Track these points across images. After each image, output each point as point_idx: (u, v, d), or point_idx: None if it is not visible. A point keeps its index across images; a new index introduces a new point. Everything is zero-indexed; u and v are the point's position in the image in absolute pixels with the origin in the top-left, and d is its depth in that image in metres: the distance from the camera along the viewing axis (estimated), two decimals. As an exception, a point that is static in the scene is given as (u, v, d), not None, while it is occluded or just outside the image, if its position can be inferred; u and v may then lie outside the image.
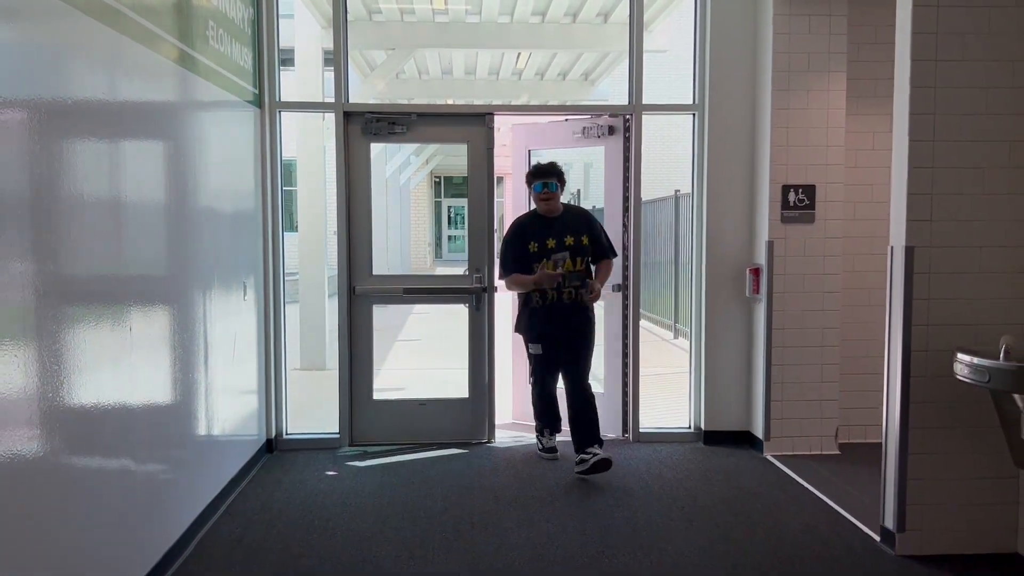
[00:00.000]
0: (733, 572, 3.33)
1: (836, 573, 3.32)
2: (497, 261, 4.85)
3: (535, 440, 5.02)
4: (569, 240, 4.55)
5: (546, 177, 4.57)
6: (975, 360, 3.03)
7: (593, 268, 4.70)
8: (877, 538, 3.64)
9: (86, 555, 2.61)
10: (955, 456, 3.46)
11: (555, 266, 4.50)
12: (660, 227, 11.30)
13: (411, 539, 3.64)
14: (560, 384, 4.77)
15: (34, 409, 2.29)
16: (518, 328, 4.85)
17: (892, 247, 3.50)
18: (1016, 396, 3.10)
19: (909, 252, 3.40)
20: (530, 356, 4.82)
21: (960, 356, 3.13)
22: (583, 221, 4.65)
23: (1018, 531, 3.48)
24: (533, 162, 5.30)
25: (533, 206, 4.84)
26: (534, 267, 4.53)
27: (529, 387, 5.39)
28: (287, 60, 9.02)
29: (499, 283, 5.20)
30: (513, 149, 5.70)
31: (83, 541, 2.59)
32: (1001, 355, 2.98)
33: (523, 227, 4.68)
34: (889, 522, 3.54)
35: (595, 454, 4.40)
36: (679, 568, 3.36)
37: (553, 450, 4.90)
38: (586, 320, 4.65)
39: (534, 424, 5.02)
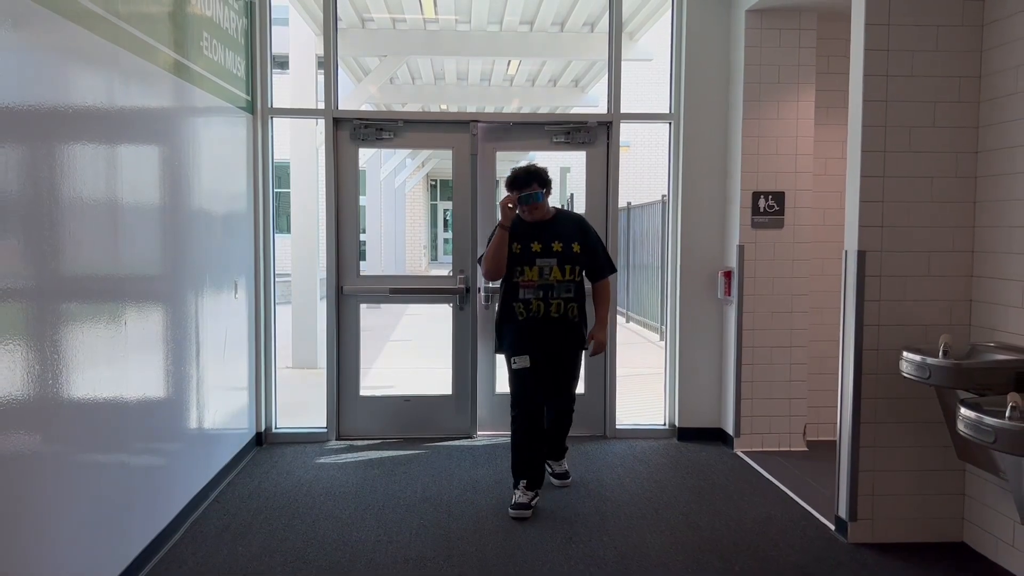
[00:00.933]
0: (695, 557, 3.53)
1: (791, 558, 3.52)
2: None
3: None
4: (557, 246, 4.09)
5: (524, 189, 4.05)
6: (918, 358, 3.23)
7: (588, 288, 4.27)
8: (832, 527, 3.84)
9: (80, 536, 2.80)
10: (904, 449, 3.67)
11: (540, 273, 4.09)
12: (648, 231, 11.44)
13: (391, 524, 3.84)
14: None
15: (36, 399, 2.48)
16: (498, 347, 4.25)
17: (846, 251, 3.70)
18: (957, 391, 3.30)
19: (861, 256, 3.60)
20: (511, 377, 4.15)
21: (905, 355, 3.33)
22: (576, 228, 4.18)
23: (963, 520, 3.69)
24: (501, 166, 5.24)
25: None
26: (516, 271, 4.11)
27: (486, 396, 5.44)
28: (283, 64, 9.22)
29: (481, 279, 5.32)
30: (479, 151, 5.33)
31: (78, 523, 2.78)
32: (940, 353, 3.18)
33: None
34: (842, 511, 3.74)
35: (552, 470, 4.47)
36: (643, 553, 3.56)
37: (524, 507, 4.00)
38: (576, 341, 4.18)
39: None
